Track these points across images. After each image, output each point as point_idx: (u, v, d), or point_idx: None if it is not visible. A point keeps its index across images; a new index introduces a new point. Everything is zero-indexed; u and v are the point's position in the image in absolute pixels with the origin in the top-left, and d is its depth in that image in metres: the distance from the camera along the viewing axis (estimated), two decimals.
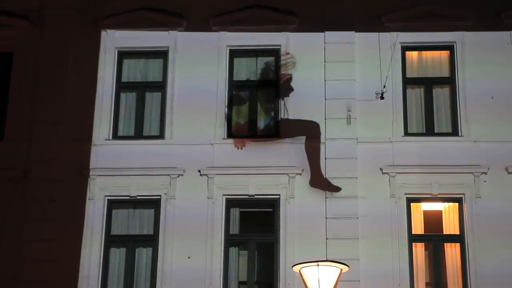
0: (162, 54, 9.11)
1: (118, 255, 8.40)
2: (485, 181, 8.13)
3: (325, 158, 8.43)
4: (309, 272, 5.06)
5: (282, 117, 8.73)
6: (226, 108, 8.79)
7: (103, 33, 8.94)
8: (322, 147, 8.49)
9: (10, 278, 7.75)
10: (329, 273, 5.02)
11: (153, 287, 8.03)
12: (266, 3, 8.95)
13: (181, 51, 8.93)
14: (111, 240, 8.38)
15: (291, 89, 8.71)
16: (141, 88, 9.10)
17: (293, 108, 8.68)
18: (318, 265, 4.94)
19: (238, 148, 8.45)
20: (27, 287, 7.72)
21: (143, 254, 8.40)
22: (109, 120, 8.73)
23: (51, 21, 8.85)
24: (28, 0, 8.96)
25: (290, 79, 8.77)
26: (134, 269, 8.27)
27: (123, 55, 9.06)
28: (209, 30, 8.97)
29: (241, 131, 8.85)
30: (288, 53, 8.80)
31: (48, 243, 7.96)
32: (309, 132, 8.58)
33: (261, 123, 8.97)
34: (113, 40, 9.00)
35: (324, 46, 8.80)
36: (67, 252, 7.97)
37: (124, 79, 9.09)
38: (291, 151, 8.51)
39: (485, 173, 8.14)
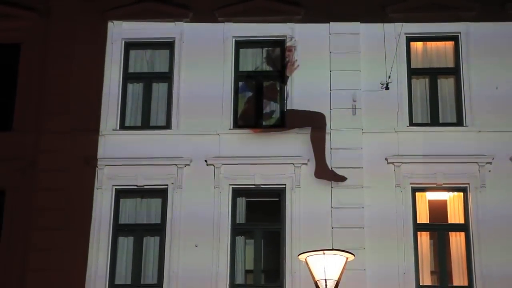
0: (168, 45, 8.96)
1: (126, 244, 8.29)
2: (489, 171, 7.98)
3: (331, 148, 8.30)
4: (315, 261, 4.97)
5: (288, 107, 8.56)
6: (232, 99, 8.60)
7: (109, 24, 8.80)
8: (327, 137, 8.35)
9: (19, 267, 7.63)
10: (335, 261, 4.92)
11: (161, 276, 7.92)
12: None
13: (187, 42, 8.78)
14: (119, 229, 8.29)
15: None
16: (147, 79, 8.97)
17: (298, 98, 8.50)
18: (324, 253, 4.81)
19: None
20: (36, 276, 7.58)
21: (150, 243, 8.29)
22: (116, 110, 8.60)
23: (58, 12, 8.71)
24: None
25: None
26: (142, 258, 8.16)
27: (130, 46, 8.91)
28: (215, 21, 8.80)
29: (248, 121, 8.67)
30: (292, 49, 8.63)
31: (56, 232, 7.85)
32: (315, 123, 8.43)
33: (267, 114, 8.79)
34: (119, 31, 8.87)
35: (330, 37, 8.62)
36: (75, 241, 7.85)
37: (131, 70, 8.96)
38: (297, 141, 8.37)
39: (490, 162, 8.00)
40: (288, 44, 8.70)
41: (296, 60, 8.63)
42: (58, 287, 7.61)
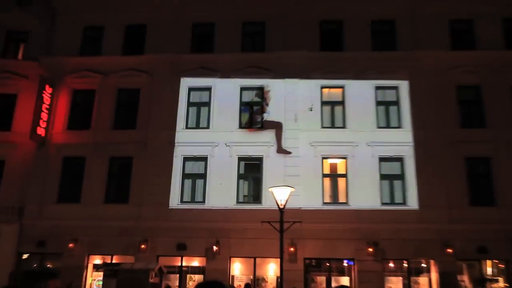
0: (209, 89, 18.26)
1: (189, 185, 17.40)
2: (353, 157, 17.04)
3: (284, 139, 17.38)
4: (276, 191, 11.59)
5: (265, 119, 17.70)
6: (239, 114, 17.82)
7: (181, 79, 18.17)
8: (283, 133, 17.43)
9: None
10: (285, 191, 11.58)
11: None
12: (256, 64, 18.04)
13: (220, 89, 18.04)
14: (184, 177, 17.47)
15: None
16: (199, 105, 18.22)
17: (270, 115, 17.69)
18: (280, 186, 12.17)
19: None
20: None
21: (199, 184, 17.45)
22: (184, 116, 17.88)
23: (157, 74, 18.11)
24: (148, 62, 18.26)
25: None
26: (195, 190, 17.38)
27: (191, 89, 18.27)
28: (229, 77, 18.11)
29: (246, 125, 17.84)
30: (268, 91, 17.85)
31: (157, 179, 17.10)
32: (277, 126, 17.52)
33: (256, 122, 17.92)
34: (186, 82, 18.21)
35: (285, 88, 17.78)
36: (166, 180, 17.09)
37: (191, 100, 18.27)
38: (269, 135, 17.48)
39: (355, 146, 17.04)
40: (265, 89, 17.92)
41: (270, 96, 17.81)
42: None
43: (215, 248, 16.14)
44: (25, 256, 17.01)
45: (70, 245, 16.47)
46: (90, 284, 16.75)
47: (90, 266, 16.94)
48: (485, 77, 17.56)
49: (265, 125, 17.61)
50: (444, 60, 17.68)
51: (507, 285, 15.99)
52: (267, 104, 17.75)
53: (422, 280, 16.23)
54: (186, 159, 17.56)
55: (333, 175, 17.38)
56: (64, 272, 15.79)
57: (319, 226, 16.06)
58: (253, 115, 18.02)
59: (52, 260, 16.84)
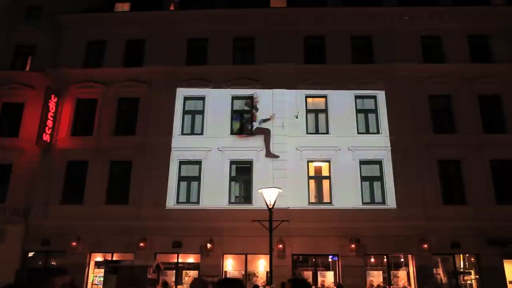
0: (203, 98, 19.69)
1: (184, 187, 18.68)
2: (338, 153, 18.49)
3: (273, 144, 18.78)
4: (265, 192, 12.90)
5: (255, 126, 19.11)
6: (231, 121, 19.25)
7: (177, 89, 19.60)
8: (271, 139, 18.83)
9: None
10: (273, 192, 12.85)
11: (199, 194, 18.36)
12: (246, 76, 19.58)
13: (213, 98, 19.50)
14: (180, 180, 18.73)
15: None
16: (194, 113, 19.63)
17: (259, 122, 19.13)
18: (269, 188, 13.47)
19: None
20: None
21: (194, 186, 18.69)
22: (180, 123, 19.26)
23: (155, 84, 19.55)
24: (146, 74, 19.72)
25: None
26: (190, 191, 18.62)
27: (186, 99, 19.69)
28: (222, 88, 19.58)
29: (237, 131, 19.25)
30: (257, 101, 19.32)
31: (155, 181, 18.34)
32: (266, 132, 18.94)
33: (246, 128, 19.34)
34: (181, 92, 19.65)
35: (273, 96, 19.28)
36: (164, 182, 18.35)
37: (186, 108, 19.67)
38: (258, 140, 18.87)
39: (338, 150, 18.50)
40: (254, 98, 19.38)
41: (257, 106, 19.29)
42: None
43: (209, 245, 17.26)
44: (30, 254, 18.01)
45: (73, 243, 17.51)
46: (92, 280, 17.75)
47: (92, 264, 17.98)
48: (454, 87, 19.25)
49: (255, 132, 18.96)
50: (417, 72, 19.37)
51: (477, 277, 17.34)
52: (256, 110, 19.07)
53: (401, 273, 17.49)
54: (181, 163, 18.84)
55: (318, 177, 18.77)
56: (67, 269, 16.89)
57: (306, 224, 17.25)
58: (243, 122, 19.40)
59: (56, 257, 17.86)
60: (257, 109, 19.21)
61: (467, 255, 17.84)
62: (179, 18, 20.95)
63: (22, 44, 20.75)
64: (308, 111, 19.30)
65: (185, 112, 19.62)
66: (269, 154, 18.59)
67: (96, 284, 17.62)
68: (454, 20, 20.18)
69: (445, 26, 20.13)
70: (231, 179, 18.64)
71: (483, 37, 20.24)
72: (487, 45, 20.16)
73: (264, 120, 18.78)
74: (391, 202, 17.92)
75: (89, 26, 21.11)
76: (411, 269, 17.30)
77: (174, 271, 17.65)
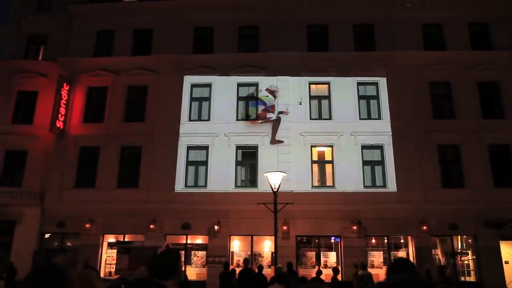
0: (209, 86, 20.02)
1: (192, 171, 19.14)
2: (339, 144, 18.83)
3: (278, 129, 19.12)
4: (270, 176, 13.21)
5: (273, 117, 19.26)
6: (236, 108, 19.58)
7: (185, 77, 19.92)
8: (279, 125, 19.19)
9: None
10: (278, 176, 13.22)
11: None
12: (251, 64, 19.85)
13: (219, 85, 19.82)
14: (188, 164, 19.18)
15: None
16: (201, 99, 19.98)
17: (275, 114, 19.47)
18: (273, 172, 13.94)
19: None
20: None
21: (201, 170, 19.14)
22: (188, 110, 19.65)
23: (163, 72, 19.86)
24: (154, 62, 20.01)
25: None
26: (198, 175, 19.07)
27: (193, 86, 20.02)
28: (228, 75, 19.88)
29: (245, 117, 19.53)
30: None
31: (164, 166, 18.79)
32: (276, 120, 19.19)
33: (252, 114, 19.67)
34: (188, 80, 19.98)
35: (277, 83, 19.56)
36: (172, 167, 18.79)
37: (193, 95, 20.03)
38: (264, 126, 19.23)
39: (340, 136, 18.81)
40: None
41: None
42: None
43: (216, 227, 17.79)
44: (47, 235, 18.68)
45: (87, 225, 18.13)
46: (105, 260, 18.37)
47: (105, 244, 18.59)
48: (454, 74, 19.48)
49: (260, 117, 19.25)
50: (417, 59, 19.60)
51: (474, 257, 17.77)
52: (275, 98, 19.27)
53: (401, 254, 17.86)
54: (189, 148, 19.29)
55: (321, 162, 19.17)
56: (81, 250, 17.57)
57: (309, 207, 17.73)
58: (257, 109, 19.58)
59: (71, 239, 18.51)
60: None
61: (465, 236, 18.29)
62: (186, 8, 21.19)
63: (34, 34, 21.14)
64: (311, 97, 19.63)
65: (192, 99, 20.00)
66: (274, 141, 18.91)
67: (108, 264, 18.25)
68: (455, 8, 20.34)
69: (446, 14, 20.30)
70: (237, 163, 19.05)
71: (483, 24, 20.38)
72: (487, 32, 20.33)
73: (279, 113, 19.10)
74: (391, 185, 18.30)
75: (98, 16, 21.46)
76: (411, 249, 17.78)
77: (183, 251, 18.19)
